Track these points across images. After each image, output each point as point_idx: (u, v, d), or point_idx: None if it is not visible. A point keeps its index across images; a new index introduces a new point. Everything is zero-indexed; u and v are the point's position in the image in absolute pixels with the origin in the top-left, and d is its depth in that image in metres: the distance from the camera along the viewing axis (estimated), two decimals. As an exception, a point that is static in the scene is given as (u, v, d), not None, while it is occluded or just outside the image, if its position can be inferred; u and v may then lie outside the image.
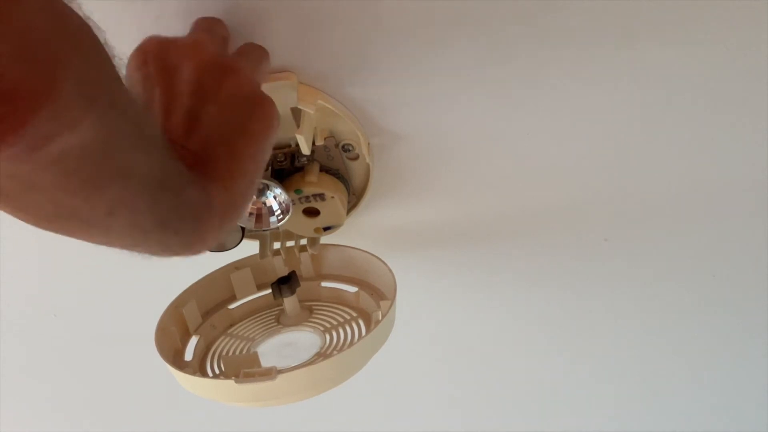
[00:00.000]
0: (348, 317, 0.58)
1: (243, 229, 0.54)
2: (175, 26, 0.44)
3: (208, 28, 0.42)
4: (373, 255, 0.59)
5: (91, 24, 0.24)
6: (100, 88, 0.24)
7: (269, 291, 0.60)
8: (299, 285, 0.59)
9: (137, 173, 0.28)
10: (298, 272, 0.59)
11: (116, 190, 0.27)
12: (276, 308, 0.61)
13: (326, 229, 0.58)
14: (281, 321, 0.60)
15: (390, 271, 0.56)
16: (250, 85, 0.39)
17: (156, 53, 0.38)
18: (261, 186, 0.52)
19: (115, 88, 0.26)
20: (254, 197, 0.52)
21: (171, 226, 0.32)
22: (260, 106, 0.39)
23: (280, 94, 0.49)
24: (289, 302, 0.59)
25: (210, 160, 0.35)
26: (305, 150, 0.51)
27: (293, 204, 0.54)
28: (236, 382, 0.47)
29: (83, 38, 0.23)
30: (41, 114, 0.21)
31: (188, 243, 0.34)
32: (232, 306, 0.61)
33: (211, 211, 0.34)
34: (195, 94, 0.37)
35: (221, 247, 0.55)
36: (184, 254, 0.34)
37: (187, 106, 0.37)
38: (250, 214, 0.52)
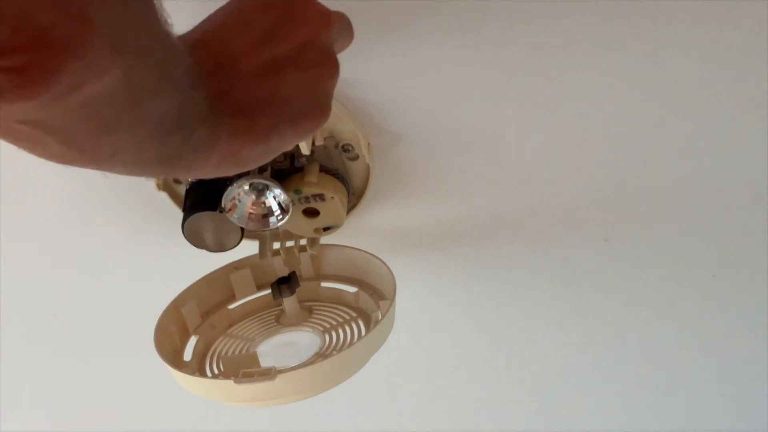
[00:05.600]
0: (347, 317, 0.58)
1: (242, 229, 0.54)
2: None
3: (339, 18, 0.40)
4: (372, 255, 0.59)
5: None
6: (129, 35, 0.24)
7: (269, 291, 0.60)
8: (299, 285, 0.59)
9: (152, 118, 0.28)
10: (297, 272, 0.59)
11: (127, 135, 0.27)
12: (276, 308, 0.61)
13: (326, 229, 0.58)
14: (281, 321, 0.60)
15: (389, 271, 0.56)
16: (331, 90, 0.38)
17: None
18: (261, 186, 0.52)
19: (144, 33, 0.25)
20: (254, 197, 0.52)
21: (170, 164, 0.32)
22: (326, 110, 0.38)
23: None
24: (289, 302, 0.59)
25: (249, 115, 0.34)
26: (305, 150, 0.51)
27: (293, 204, 0.54)
28: (235, 382, 0.47)
29: None
30: (74, 61, 0.21)
31: (180, 176, 0.34)
32: (231, 306, 0.61)
33: (211, 153, 0.33)
34: (291, 57, 0.36)
35: (221, 247, 0.55)
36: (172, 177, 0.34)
37: (277, 57, 0.35)
38: (250, 214, 0.52)
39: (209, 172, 0.35)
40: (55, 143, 0.25)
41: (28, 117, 0.23)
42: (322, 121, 0.38)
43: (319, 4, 0.38)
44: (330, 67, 0.38)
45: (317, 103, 0.37)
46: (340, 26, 0.40)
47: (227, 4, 0.37)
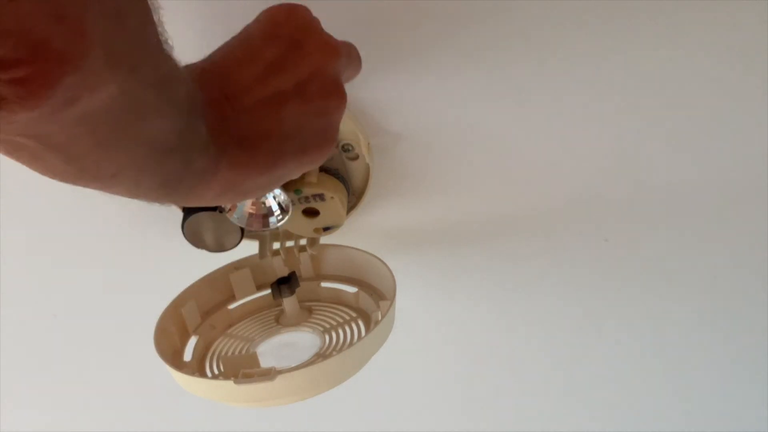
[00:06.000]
0: (347, 317, 0.58)
1: (242, 229, 0.54)
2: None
3: (347, 50, 0.41)
4: (372, 255, 0.59)
5: None
6: (125, 52, 0.24)
7: (269, 291, 0.60)
8: (299, 285, 0.59)
9: (150, 138, 0.28)
10: (297, 272, 0.59)
11: (126, 154, 0.27)
12: (275, 308, 0.61)
13: (326, 229, 0.58)
14: (281, 321, 0.60)
15: (389, 271, 0.56)
16: (337, 121, 0.38)
17: (299, 24, 0.37)
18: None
19: (141, 51, 0.25)
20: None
21: (170, 187, 0.32)
22: (330, 141, 0.38)
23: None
24: (289, 302, 0.59)
25: (251, 147, 0.34)
26: (305, 150, 0.50)
27: (293, 204, 0.54)
28: (235, 382, 0.47)
29: None
30: (72, 73, 0.21)
31: (180, 202, 0.34)
32: (231, 306, 0.61)
33: (211, 181, 0.33)
34: (297, 89, 0.36)
35: (221, 248, 0.55)
36: (173, 204, 0.35)
37: (282, 89, 0.35)
38: (250, 214, 0.52)
39: (211, 200, 0.35)
40: (56, 160, 0.25)
41: (29, 130, 0.23)
42: (326, 153, 0.38)
43: (327, 34, 0.38)
44: (336, 98, 0.38)
45: (322, 135, 0.37)
46: (348, 56, 0.40)
47: (237, 34, 0.36)
